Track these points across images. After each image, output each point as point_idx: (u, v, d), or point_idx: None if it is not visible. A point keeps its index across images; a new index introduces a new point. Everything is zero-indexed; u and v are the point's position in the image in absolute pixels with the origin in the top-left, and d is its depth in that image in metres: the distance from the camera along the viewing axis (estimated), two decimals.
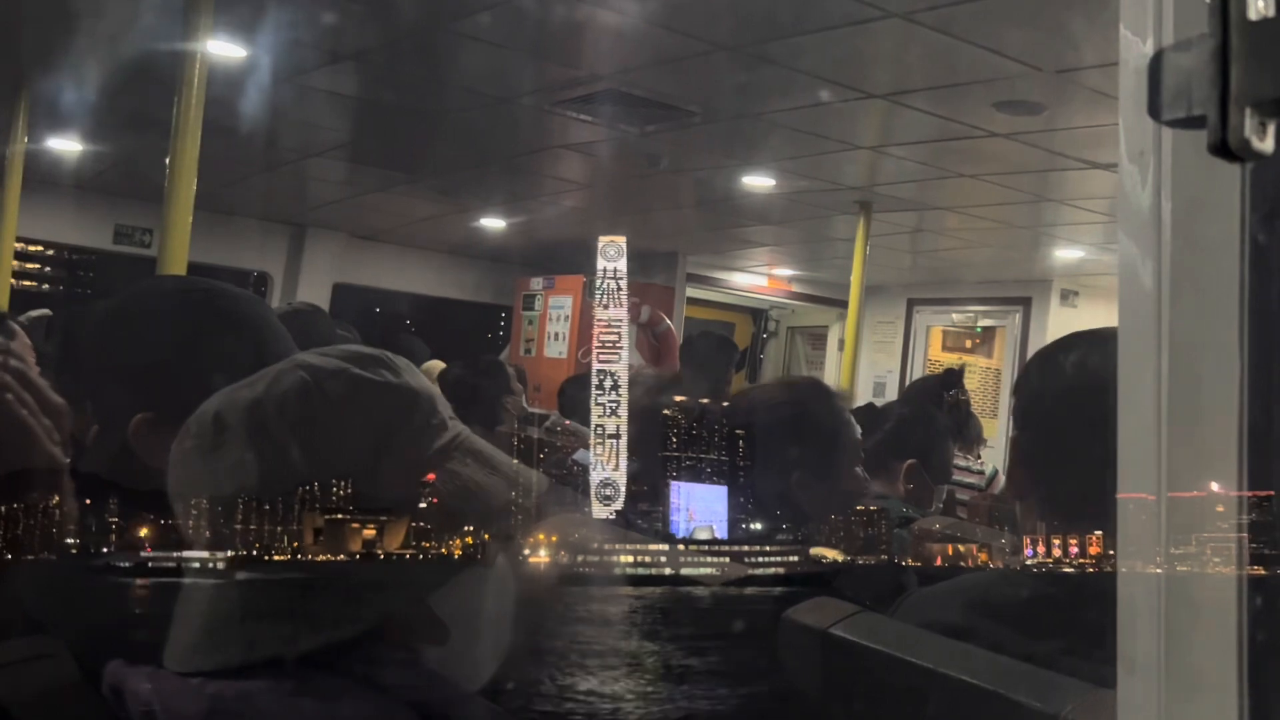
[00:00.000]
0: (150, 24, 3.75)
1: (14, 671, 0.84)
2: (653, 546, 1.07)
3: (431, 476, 1.02)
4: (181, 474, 0.98)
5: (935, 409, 2.79)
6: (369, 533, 0.97)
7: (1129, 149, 0.83)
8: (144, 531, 0.94)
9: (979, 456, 3.90)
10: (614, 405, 1.10)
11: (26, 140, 5.07)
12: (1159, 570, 0.72)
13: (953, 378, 2.99)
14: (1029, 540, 1.44)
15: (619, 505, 1.10)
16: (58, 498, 0.81)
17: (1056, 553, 1.41)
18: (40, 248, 7.50)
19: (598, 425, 1.09)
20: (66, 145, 6.11)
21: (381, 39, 4.24)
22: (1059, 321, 8.31)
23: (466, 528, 0.98)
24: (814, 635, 1.34)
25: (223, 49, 4.13)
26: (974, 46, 3.72)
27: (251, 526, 0.92)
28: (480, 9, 3.83)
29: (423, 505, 1.02)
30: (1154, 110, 0.53)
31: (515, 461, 1.00)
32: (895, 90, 4.34)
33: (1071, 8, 3.38)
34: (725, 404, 2.12)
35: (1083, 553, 1.39)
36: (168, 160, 3.61)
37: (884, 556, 1.43)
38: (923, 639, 1.29)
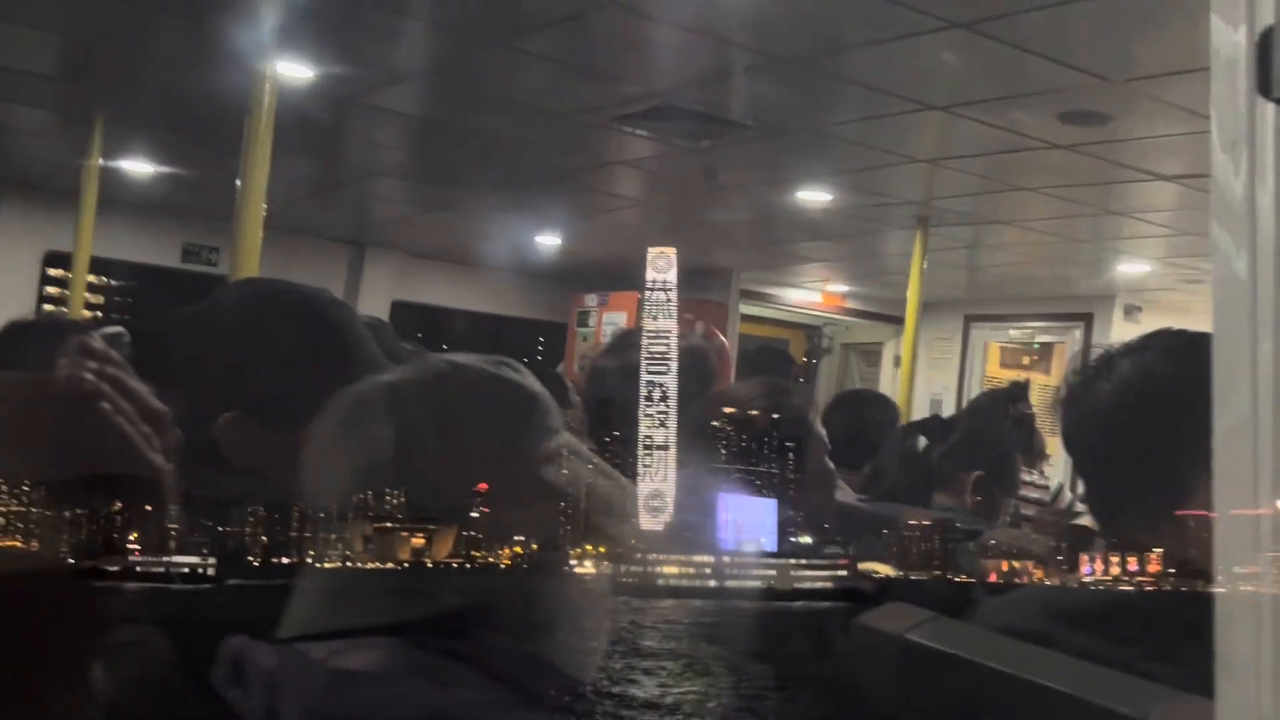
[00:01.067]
0: (220, 46, 3.84)
1: (114, 654, 0.86)
2: (698, 558, 1.06)
3: (484, 486, 1.03)
4: (317, 450, 1.00)
5: (1002, 421, 2.76)
6: (440, 537, 0.98)
7: (1221, 140, 0.82)
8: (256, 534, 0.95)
9: (1043, 471, 3.84)
10: (663, 416, 1.09)
11: (101, 160, 5.21)
12: (1256, 580, 0.71)
13: (1019, 391, 2.94)
14: (1086, 558, 1.41)
15: (667, 517, 1.09)
16: (154, 505, 0.82)
17: (1115, 570, 1.38)
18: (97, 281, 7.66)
19: (646, 436, 1.08)
20: (138, 166, 6.27)
21: (441, 58, 4.30)
22: (1123, 337, 8.15)
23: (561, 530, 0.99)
24: (890, 640, 1.32)
25: (290, 70, 4.22)
26: (1039, 57, 3.68)
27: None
28: (537, 27, 3.87)
29: (475, 515, 1.03)
30: (1264, 88, 0.52)
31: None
32: (955, 102, 4.31)
33: (1141, 16, 3.34)
34: (775, 416, 2.14)
35: (1142, 570, 1.36)
36: (238, 181, 3.69)
37: (938, 572, 1.40)
38: (1002, 644, 1.27)
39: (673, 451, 1.08)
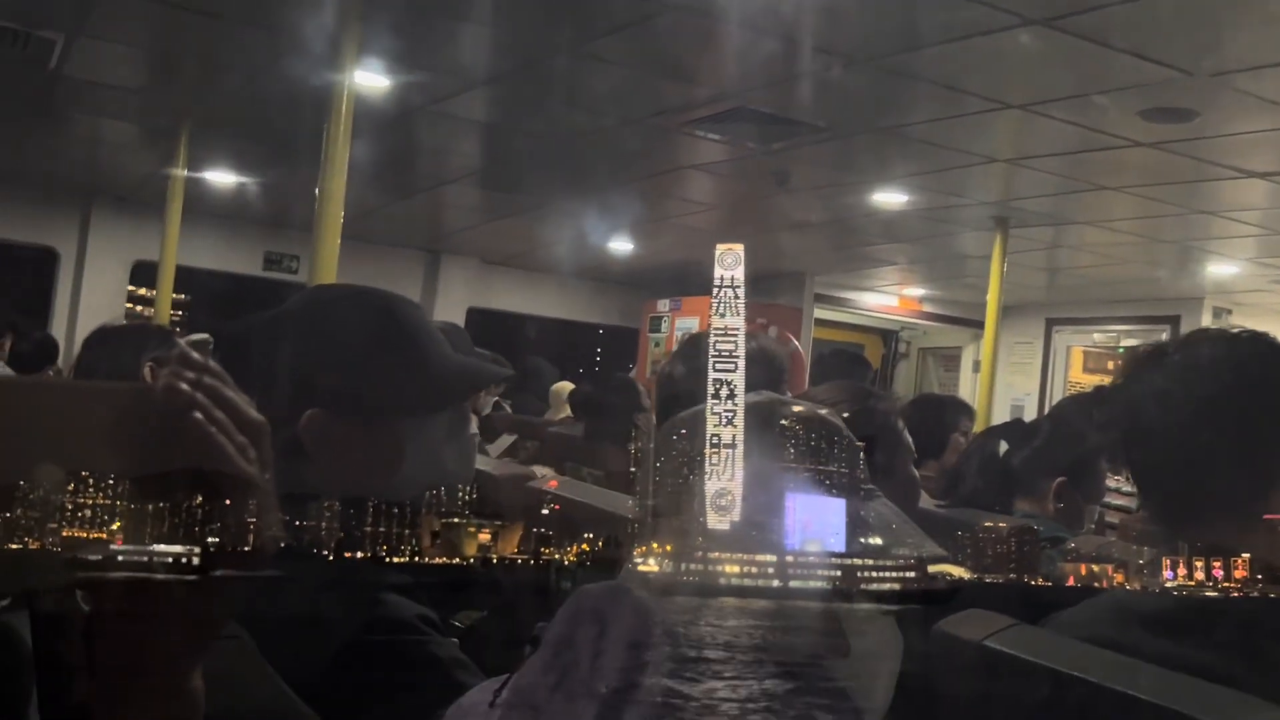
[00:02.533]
0: (300, 57, 3.92)
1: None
2: (760, 558, 1.05)
3: (554, 483, 1.03)
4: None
5: (1086, 426, 2.68)
6: None
7: None
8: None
9: (1129, 477, 3.72)
10: (730, 415, 1.07)
11: (186, 171, 5.36)
12: None
13: (1103, 394, 2.86)
14: (1168, 562, 1.36)
15: (735, 516, 1.08)
16: (248, 518, 0.83)
17: (1199, 576, 1.33)
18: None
19: (713, 435, 1.06)
20: (221, 176, 6.44)
21: (512, 64, 4.34)
22: None
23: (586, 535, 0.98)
24: (968, 648, 1.29)
25: (368, 80, 4.29)
26: (1120, 52, 3.59)
27: None
28: (607, 31, 3.88)
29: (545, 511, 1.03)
30: None
31: None
32: (1034, 100, 4.22)
33: (1226, 7, 3.24)
34: (846, 415, 2.11)
35: (1228, 576, 1.31)
36: (317, 190, 3.76)
37: (1013, 576, 1.36)
38: (1085, 653, 1.23)
39: (739, 450, 1.06)
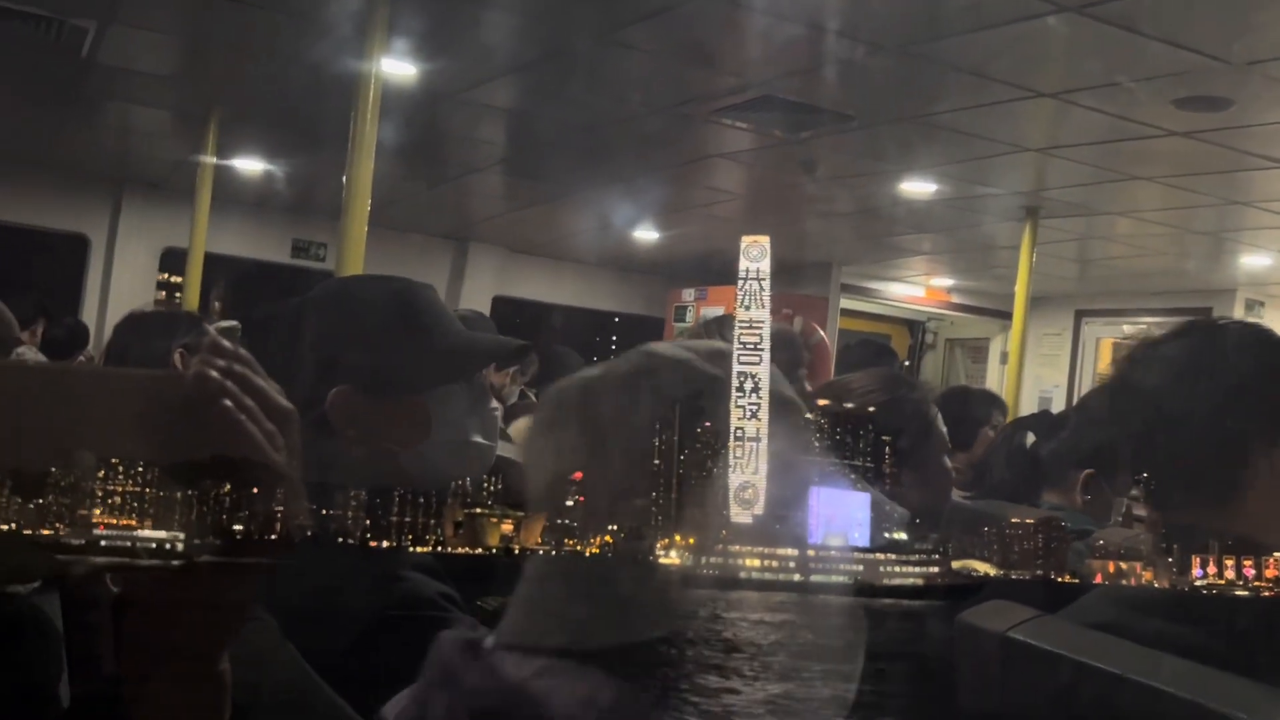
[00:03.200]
0: (328, 44, 3.93)
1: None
2: (782, 551, 1.04)
3: (578, 475, 1.03)
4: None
5: (1113, 417, 2.65)
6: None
7: None
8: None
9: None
10: (755, 408, 1.07)
11: (215, 158, 5.39)
12: None
13: None
14: (1198, 560, 1.35)
15: (758, 510, 1.08)
16: (276, 504, 0.84)
17: (1230, 575, 1.32)
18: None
19: (737, 428, 1.06)
20: (250, 163, 6.48)
21: (540, 51, 4.33)
22: None
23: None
24: (991, 639, 1.28)
25: (395, 68, 4.30)
26: (1154, 40, 3.54)
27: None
28: (636, 19, 3.87)
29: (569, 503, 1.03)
30: None
31: None
32: (1066, 88, 4.17)
33: None
34: (879, 404, 2.08)
35: (1259, 575, 1.29)
36: (344, 177, 3.77)
37: (1040, 572, 1.35)
38: (1108, 644, 1.22)
39: (764, 444, 1.06)
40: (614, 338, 10.16)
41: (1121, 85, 4.01)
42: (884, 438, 1.42)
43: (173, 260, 7.71)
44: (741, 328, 1.07)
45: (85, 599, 1.01)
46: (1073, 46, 3.73)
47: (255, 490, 0.82)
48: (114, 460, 0.79)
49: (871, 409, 1.87)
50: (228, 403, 0.82)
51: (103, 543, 0.78)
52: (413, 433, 1.44)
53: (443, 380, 1.47)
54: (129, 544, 0.78)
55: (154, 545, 0.79)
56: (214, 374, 0.82)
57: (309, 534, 0.86)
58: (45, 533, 0.78)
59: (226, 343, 0.85)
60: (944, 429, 2.19)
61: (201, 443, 0.81)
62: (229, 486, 0.81)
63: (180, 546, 0.79)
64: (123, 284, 7.67)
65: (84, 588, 0.95)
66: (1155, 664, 1.16)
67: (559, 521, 1.00)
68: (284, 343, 1.46)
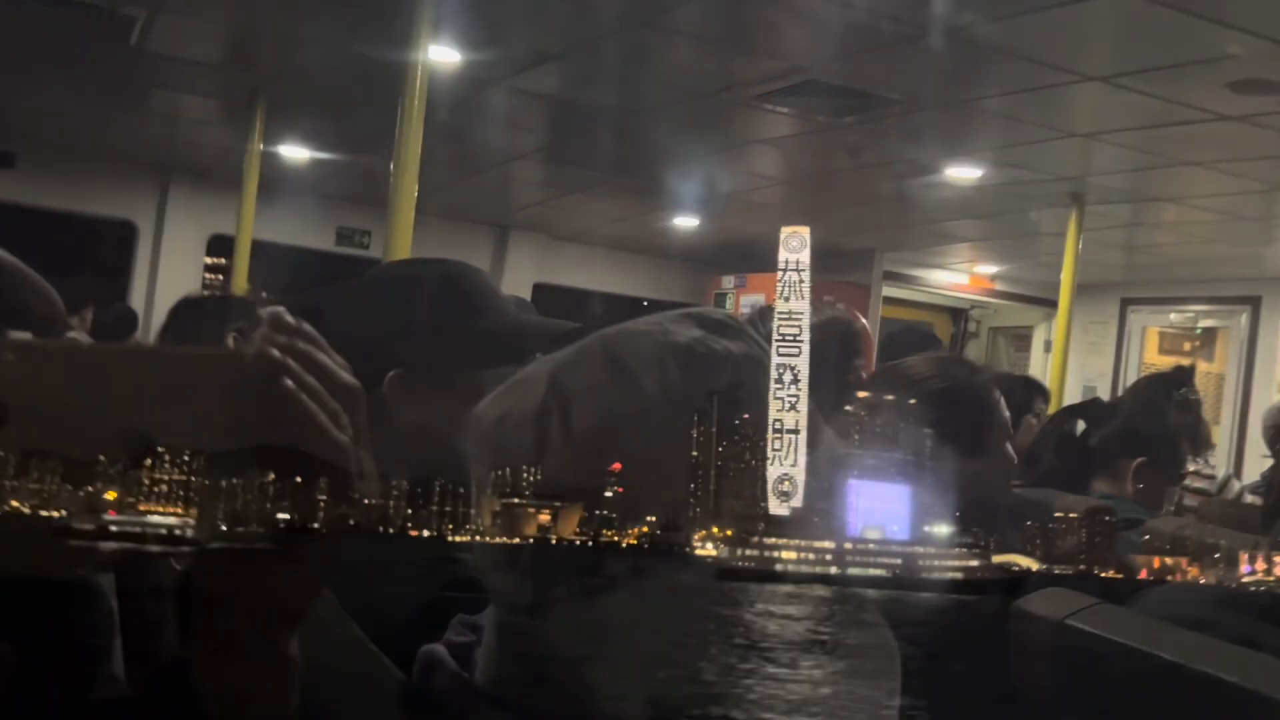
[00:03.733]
0: (374, 32, 3.95)
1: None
2: (819, 544, 1.04)
3: (618, 466, 1.02)
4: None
5: (1167, 406, 2.62)
6: None
7: None
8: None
9: (1208, 460, 3.64)
10: (794, 400, 1.06)
11: (262, 146, 5.45)
12: None
13: (1184, 375, 2.79)
14: (1246, 556, 1.32)
15: (796, 502, 1.07)
16: (342, 482, 0.81)
17: (1279, 571, 1.29)
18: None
19: (776, 420, 1.06)
20: (295, 151, 6.54)
21: (584, 37, 4.33)
22: None
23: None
24: (1048, 626, 1.27)
25: (440, 55, 4.31)
26: (1208, 21, 3.48)
27: None
28: (678, 4, 3.86)
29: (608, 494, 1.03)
30: None
31: None
32: (1115, 72, 4.11)
33: None
34: (938, 389, 2.05)
35: None
36: (391, 165, 3.79)
37: (1083, 567, 1.33)
38: (1168, 632, 1.21)
39: (804, 436, 1.06)
40: None
41: (1173, 69, 3.95)
42: (931, 428, 1.41)
43: (219, 246, 7.80)
44: (781, 319, 1.07)
45: (141, 582, 1.01)
46: (1122, 29, 3.67)
47: (317, 474, 0.80)
48: (160, 450, 0.76)
49: (916, 399, 1.84)
50: (289, 382, 0.79)
51: (134, 529, 0.76)
52: (467, 416, 1.44)
53: (496, 363, 1.48)
54: (170, 530, 0.76)
55: (189, 532, 0.77)
56: (275, 352, 0.79)
57: (351, 524, 0.83)
58: (82, 525, 0.75)
59: (289, 318, 0.82)
60: (1007, 414, 2.14)
61: (264, 423, 0.79)
62: (284, 471, 0.79)
63: (233, 530, 0.77)
64: (171, 270, 7.78)
65: (138, 572, 0.94)
66: (1222, 655, 1.15)
67: (596, 513, 1.00)
68: (338, 328, 1.47)
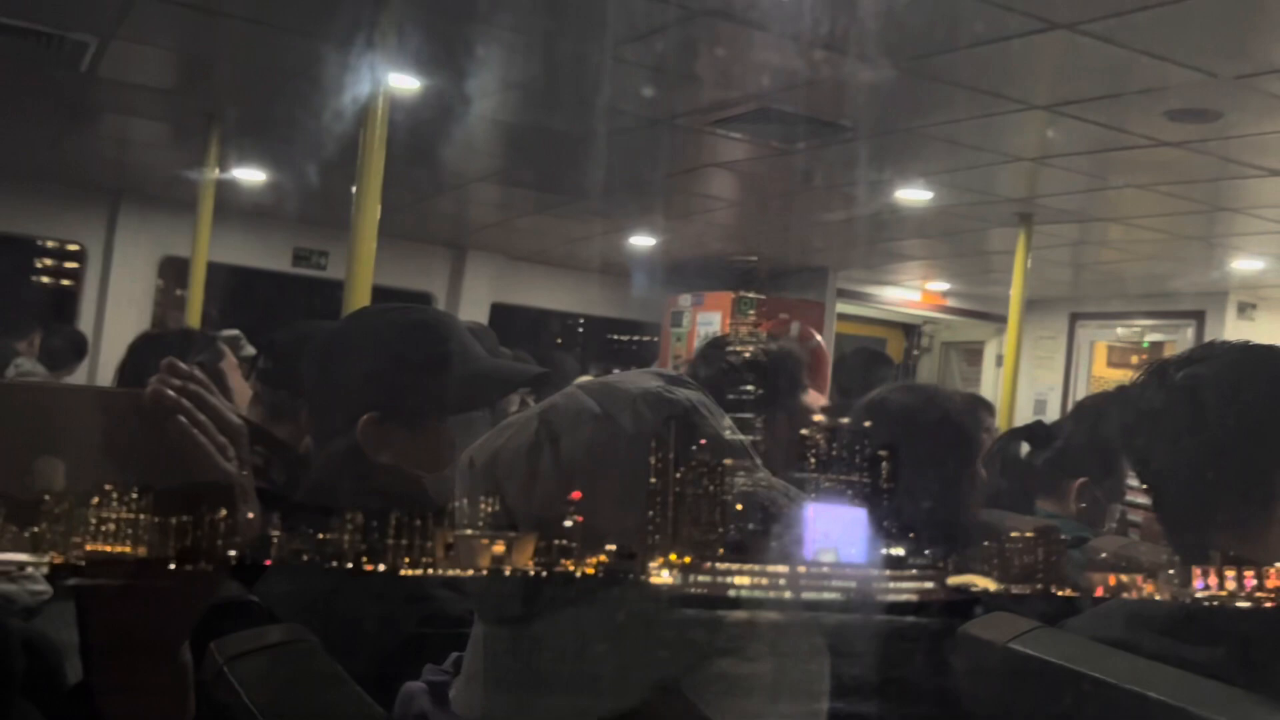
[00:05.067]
0: (332, 60, 3.97)
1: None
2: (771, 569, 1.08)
3: (577, 494, 1.07)
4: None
5: (1108, 426, 2.70)
6: None
7: None
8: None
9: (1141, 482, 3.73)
10: (736, 427, 1.12)
11: (217, 170, 5.43)
12: None
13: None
14: (1199, 572, 1.38)
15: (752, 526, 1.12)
16: (226, 510, 0.89)
17: (1230, 585, 1.35)
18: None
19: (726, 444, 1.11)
20: (251, 174, 6.51)
21: (541, 67, 4.38)
22: (1236, 335, 7.86)
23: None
24: (993, 650, 1.33)
25: (400, 82, 4.34)
26: (1145, 55, 3.60)
27: None
28: (636, 36, 3.92)
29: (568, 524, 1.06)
30: None
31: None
32: (1059, 101, 4.23)
33: (1249, 11, 3.25)
34: (868, 424, 2.09)
35: (1260, 585, 1.33)
36: (354, 189, 3.81)
37: (1040, 586, 1.38)
38: (1109, 655, 1.27)
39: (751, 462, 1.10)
40: (613, 341, 10.20)
41: (1114, 99, 4.08)
42: (881, 452, 1.45)
43: (170, 268, 7.73)
44: (732, 349, 1.11)
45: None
46: (1066, 61, 3.79)
47: (207, 500, 0.87)
48: (108, 488, 0.83)
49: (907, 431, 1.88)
50: (181, 418, 0.89)
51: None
52: (438, 458, 1.50)
53: (466, 408, 1.55)
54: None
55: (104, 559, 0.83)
56: (169, 391, 0.90)
57: (304, 558, 0.90)
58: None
59: (182, 365, 0.92)
60: (981, 436, 2.17)
61: (160, 456, 0.88)
62: (193, 500, 0.86)
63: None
64: (120, 293, 7.69)
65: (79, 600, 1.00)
66: (1153, 675, 1.20)
67: (554, 542, 1.04)
68: (314, 373, 1.53)
